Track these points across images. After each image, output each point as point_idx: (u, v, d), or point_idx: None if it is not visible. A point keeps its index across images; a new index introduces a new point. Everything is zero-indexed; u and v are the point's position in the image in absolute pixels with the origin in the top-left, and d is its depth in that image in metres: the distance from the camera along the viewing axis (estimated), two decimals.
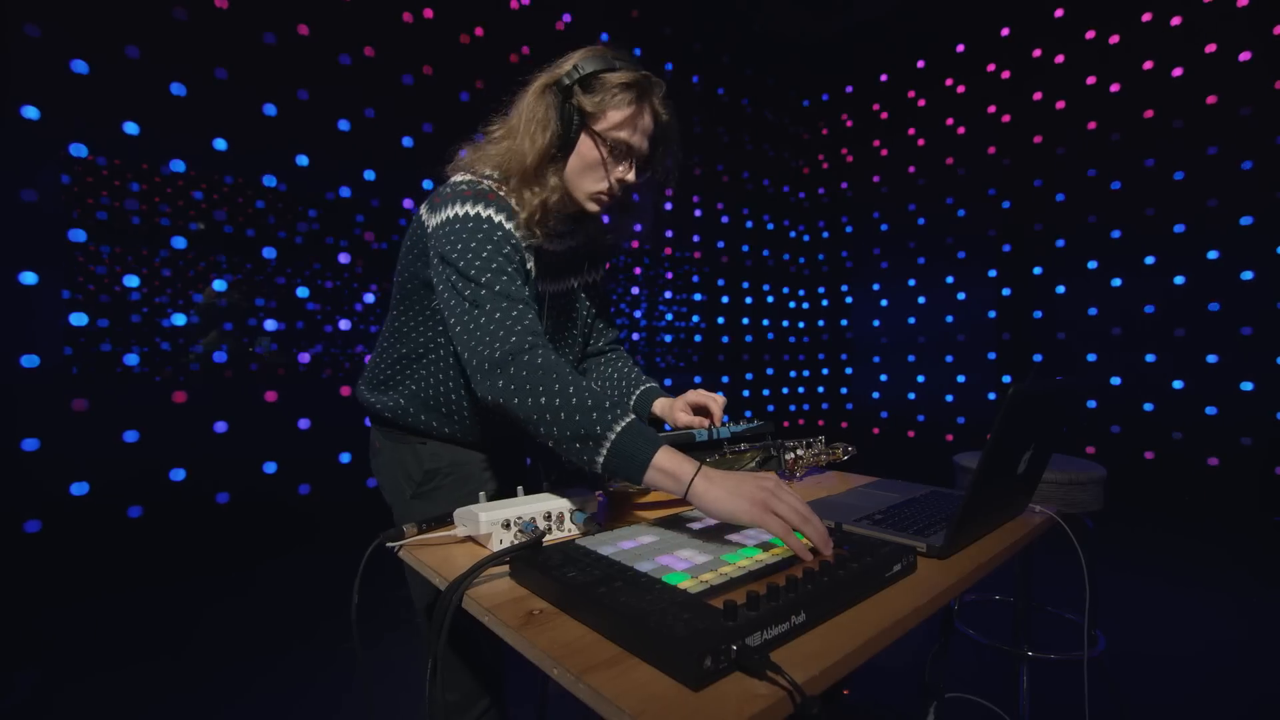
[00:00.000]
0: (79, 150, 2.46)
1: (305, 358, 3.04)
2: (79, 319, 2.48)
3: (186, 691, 1.88)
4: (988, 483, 0.82)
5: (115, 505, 2.53)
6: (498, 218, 0.94)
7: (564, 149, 0.97)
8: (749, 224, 4.94)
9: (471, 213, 0.93)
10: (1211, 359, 3.49)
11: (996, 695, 1.75)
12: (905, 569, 0.73)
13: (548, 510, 0.85)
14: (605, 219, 1.12)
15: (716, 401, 1.12)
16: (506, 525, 0.82)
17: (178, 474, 2.65)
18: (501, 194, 0.97)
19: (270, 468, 2.86)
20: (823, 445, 1.28)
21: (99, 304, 2.56)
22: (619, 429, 0.78)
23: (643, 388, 1.22)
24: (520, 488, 0.94)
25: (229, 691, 1.89)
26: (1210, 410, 3.50)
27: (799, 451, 1.23)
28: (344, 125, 3.04)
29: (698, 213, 4.55)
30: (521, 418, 0.82)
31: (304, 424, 2.95)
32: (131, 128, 2.55)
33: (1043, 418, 0.93)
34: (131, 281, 2.60)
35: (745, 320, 4.92)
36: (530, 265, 0.99)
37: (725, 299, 4.76)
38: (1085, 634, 0.97)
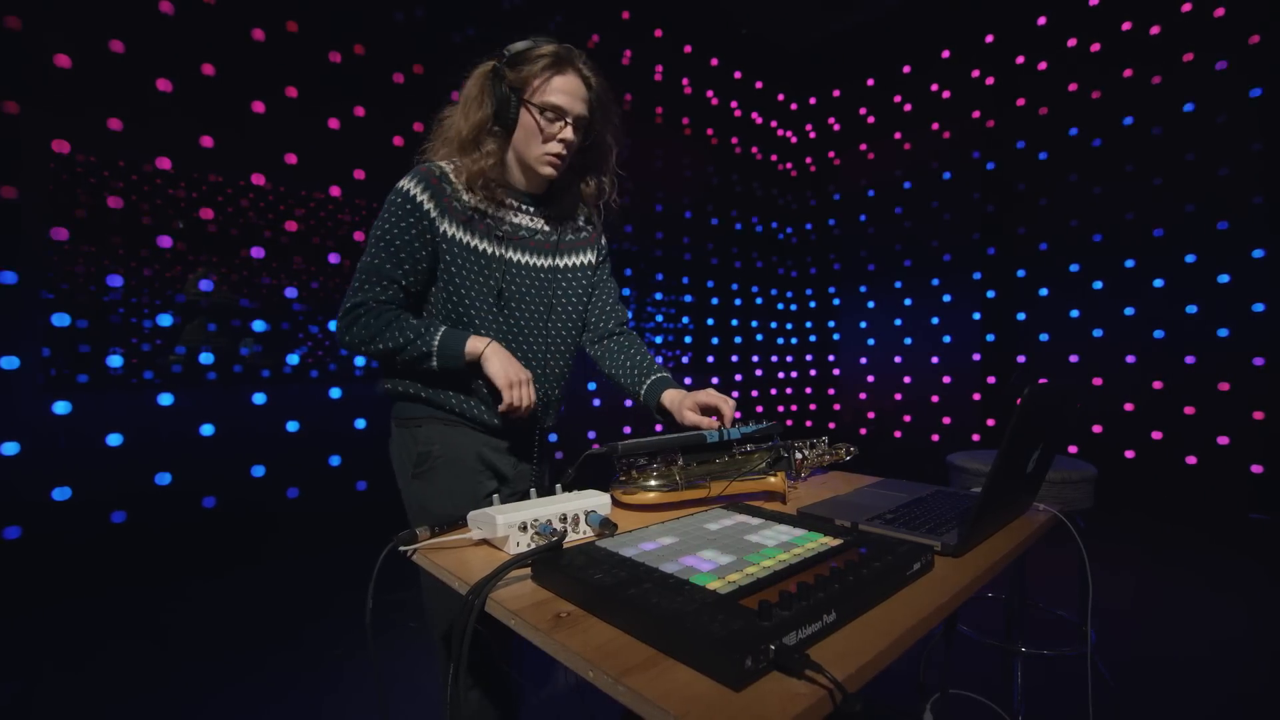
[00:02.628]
0: (61, 147, 2.40)
1: (293, 358, 3.00)
2: (60, 319, 2.42)
3: (173, 698, 1.85)
4: (1000, 482, 0.83)
5: (98, 510, 2.47)
6: (414, 189, 1.08)
7: (506, 124, 1.10)
8: (738, 225, 4.96)
9: (399, 186, 1.09)
10: (1189, 360, 3.58)
11: (991, 691, 1.78)
12: (924, 567, 0.74)
13: (563, 512, 0.85)
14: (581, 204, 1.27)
15: (727, 403, 1.12)
16: (523, 528, 0.81)
17: (163, 478, 2.59)
18: (435, 163, 1.12)
19: (258, 471, 2.81)
20: (826, 446, 1.29)
21: (80, 304, 2.50)
22: (436, 344, 1.05)
23: (654, 376, 1.22)
24: (533, 490, 0.93)
25: (217, 696, 1.85)
26: (1188, 410, 3.58)
27: (805, 452, 1.24)
28: (333, 124, 3.01)
29: (688, 214, 4.57)
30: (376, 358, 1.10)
31: (292, 426, 2.90)
32: (115, 124, 2.49)
33: (1052, 418, 0.94)
34: (114, 281, 2.54)
35: (734, 321, 4.94)
36: (447, 227, 1.10)
37: (715, 300, 4.78)
38: (1087, 630, 0.99)
